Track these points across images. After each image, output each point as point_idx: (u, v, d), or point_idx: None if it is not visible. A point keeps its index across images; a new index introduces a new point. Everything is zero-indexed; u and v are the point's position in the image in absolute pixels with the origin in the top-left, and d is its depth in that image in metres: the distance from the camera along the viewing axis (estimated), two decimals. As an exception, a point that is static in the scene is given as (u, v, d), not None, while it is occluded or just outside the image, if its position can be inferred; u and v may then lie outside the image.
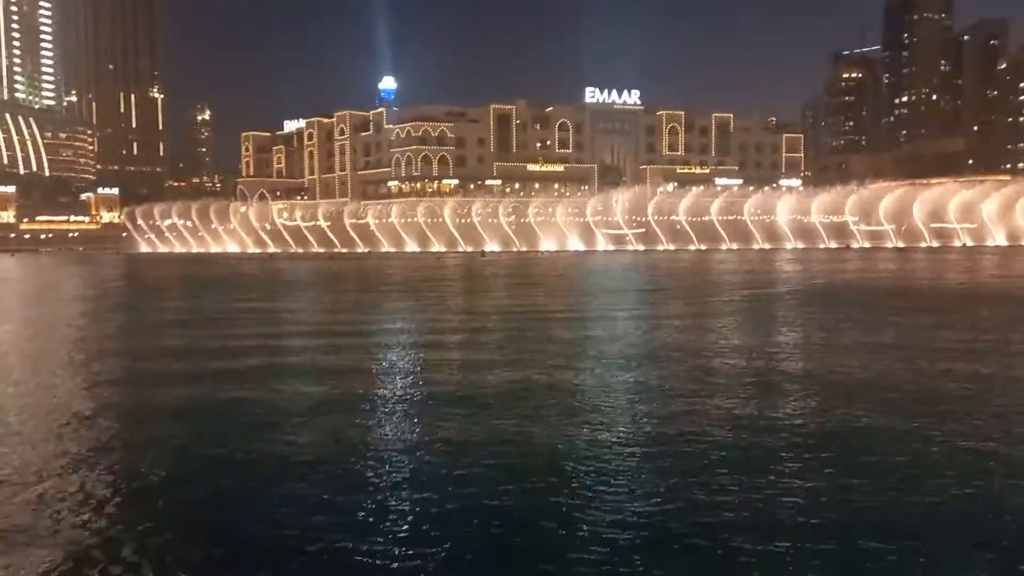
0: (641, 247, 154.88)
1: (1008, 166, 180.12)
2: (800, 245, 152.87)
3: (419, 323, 31.65)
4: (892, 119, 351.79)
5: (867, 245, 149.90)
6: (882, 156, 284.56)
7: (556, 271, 75.20)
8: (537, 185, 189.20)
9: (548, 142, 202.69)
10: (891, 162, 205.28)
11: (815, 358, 20.67)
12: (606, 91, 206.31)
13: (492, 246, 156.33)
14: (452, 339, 25.87)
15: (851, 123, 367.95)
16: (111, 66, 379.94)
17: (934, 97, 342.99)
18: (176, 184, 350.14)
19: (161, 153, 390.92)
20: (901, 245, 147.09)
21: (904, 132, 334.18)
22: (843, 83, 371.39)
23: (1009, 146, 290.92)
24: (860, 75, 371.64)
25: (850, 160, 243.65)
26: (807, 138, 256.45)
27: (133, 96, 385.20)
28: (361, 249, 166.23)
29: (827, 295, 42.89)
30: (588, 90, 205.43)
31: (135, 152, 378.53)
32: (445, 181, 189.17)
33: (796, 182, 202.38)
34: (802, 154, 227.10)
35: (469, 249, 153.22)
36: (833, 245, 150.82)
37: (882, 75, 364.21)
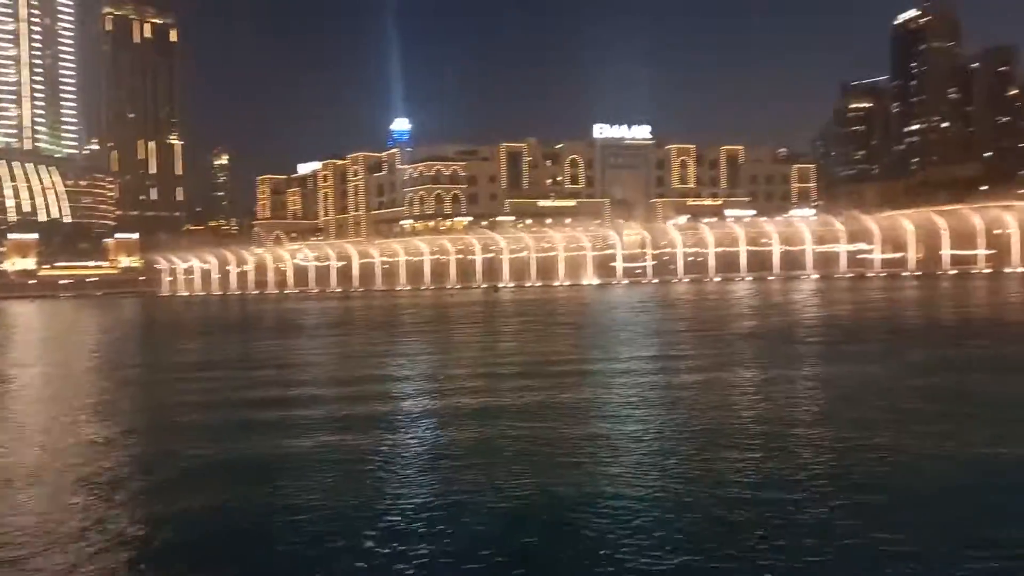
0: (655, 280, 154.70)
1: (1022, 191, 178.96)
2: (815, 275, 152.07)
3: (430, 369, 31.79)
4: (903, 147, 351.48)
5: (883, 273, 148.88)
6: (894, 184, 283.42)
7: (571, 309, 75.31)
8: (549, 220, 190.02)
9: (559, 178, 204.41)
10: (903, 190, 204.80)
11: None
12: (615, 126, 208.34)
13: (506, 282, 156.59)
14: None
15: (862, 152, 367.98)
16: (131, 115, 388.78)
17: (944, 125, 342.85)
18: (194, 228, 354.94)
19: (179, 198, 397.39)
20: (918, 273, 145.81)
21: (915, 160, 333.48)
22: (852, 113, 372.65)
23: (1021, 172, 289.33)
24: (869, 104, 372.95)
25: (862, 189, 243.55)
26: (818, 168, 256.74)
27: (152, 143, 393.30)
28: (377, 287, 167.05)
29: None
30: (597, 126, 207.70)
31: (154, 197, 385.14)
32: (458, 219, 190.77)
33: (809, 212, 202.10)
34: (814, 184, 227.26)
35: (484, 285, 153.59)
36: (849, 274, 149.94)
37: (890, 104, 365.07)
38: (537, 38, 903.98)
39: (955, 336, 36.35)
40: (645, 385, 22.67)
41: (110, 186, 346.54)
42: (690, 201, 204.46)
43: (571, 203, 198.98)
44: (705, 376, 24.03)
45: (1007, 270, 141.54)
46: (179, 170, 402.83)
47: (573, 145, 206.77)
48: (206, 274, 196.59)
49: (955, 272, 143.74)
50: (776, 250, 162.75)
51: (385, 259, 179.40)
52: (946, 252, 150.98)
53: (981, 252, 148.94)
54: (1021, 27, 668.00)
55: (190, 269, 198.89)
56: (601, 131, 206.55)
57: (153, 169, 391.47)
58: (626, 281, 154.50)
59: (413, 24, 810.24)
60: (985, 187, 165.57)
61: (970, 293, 76.20)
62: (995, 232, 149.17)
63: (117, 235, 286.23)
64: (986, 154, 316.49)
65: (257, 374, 28.83)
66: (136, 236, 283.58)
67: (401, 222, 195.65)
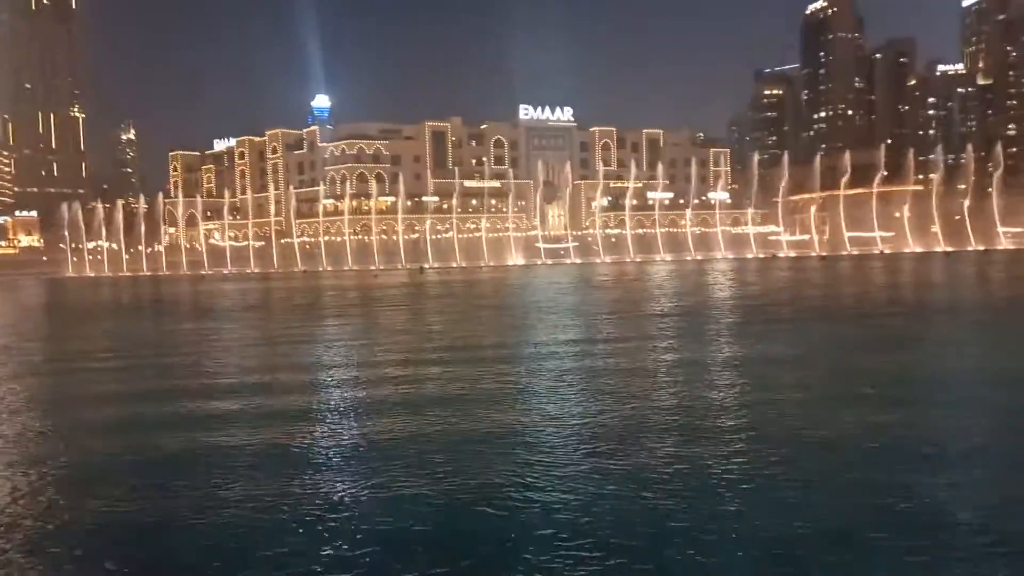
0: (578, 260, 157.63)
1: (920, 176, 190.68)
2: (730, 255, 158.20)
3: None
4: (811, 133, 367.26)
5: (792, 254, 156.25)
6: (803, 168, 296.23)
7: (498, 288, 76.16)
8: (474, 201, 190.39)
9: (484, 158, 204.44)
10: (810, 174, 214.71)
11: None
12: (540, 108, 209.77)
13: (431, 262, 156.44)
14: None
15: (774, 138, 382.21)
16: (28, 85, 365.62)
17: (850, 112, 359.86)
18: (100, 205, 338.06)
19: (84, 174, 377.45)
20: (824, 254, 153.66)
21: (823, 146, 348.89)
22: (765, 99, 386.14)
23: (921, 157, 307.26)
24: (781, 92, 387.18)
25: (773, 173, 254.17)
26: (733, 152, 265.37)
27: (52, 116, 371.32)
28: (298, 268, 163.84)
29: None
30: (522, 107, 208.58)
31: (55, 173, 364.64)
32: (381, 198, 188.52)
33: (724, 195, 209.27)
34: (728, 168, 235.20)
35: (409, 266, 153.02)
36: (760, 255, 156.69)
37: (801, 92, 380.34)
38: (461, 16, 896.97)
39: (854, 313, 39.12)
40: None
41: (6, 161, 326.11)
42: (612, 183, 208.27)
43: (496, 184, 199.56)
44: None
45: (905, 250, 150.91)
46: (82, 145, 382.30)
47: (498, 126, 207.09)
48: (114, 254, 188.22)
49: (857, 253, 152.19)
50: (691, 232, 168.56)
51: (306, 239, 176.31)
52: (848, 234, 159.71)
53: (879, 234, 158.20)
54: (919, 19, 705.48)
55: (97, 249, 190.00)
56: (526, 112, 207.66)
57: (54, 143, 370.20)
58: (550, 261, 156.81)
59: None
60: (884, 172, 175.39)
61: (873, 273, 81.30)
62: (895, 215, 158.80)
63: (16, 213, 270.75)
64: (888, 141, 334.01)
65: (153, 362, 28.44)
66: (35, 214, 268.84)
67: (322, 201, 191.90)
